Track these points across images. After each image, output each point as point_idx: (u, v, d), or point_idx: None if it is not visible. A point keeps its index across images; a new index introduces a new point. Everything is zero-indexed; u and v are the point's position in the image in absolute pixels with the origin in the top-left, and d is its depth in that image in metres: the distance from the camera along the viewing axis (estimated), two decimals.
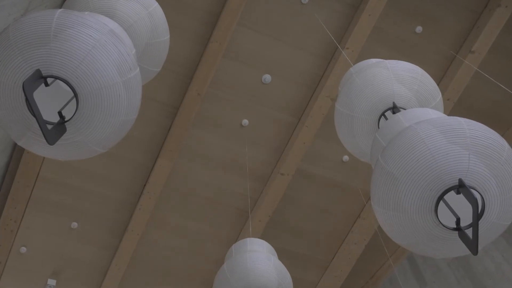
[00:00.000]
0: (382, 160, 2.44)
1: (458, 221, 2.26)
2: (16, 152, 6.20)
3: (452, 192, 2.25)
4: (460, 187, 2.20)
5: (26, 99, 2.17)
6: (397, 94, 3.17)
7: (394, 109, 3.13)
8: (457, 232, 2.28)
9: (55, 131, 2.27)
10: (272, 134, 6.43)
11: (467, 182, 2.21)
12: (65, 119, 2.34)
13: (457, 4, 5.95)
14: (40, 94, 2.34)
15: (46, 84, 2.29)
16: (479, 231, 2.18)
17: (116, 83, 2.39)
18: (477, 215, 2.14)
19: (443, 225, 2.29)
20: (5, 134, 4.76)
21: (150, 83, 3.55)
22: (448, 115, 2.92)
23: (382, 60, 3.45)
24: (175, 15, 5.63)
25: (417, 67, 3.32)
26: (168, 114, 6.18)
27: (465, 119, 2.38)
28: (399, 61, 3.33)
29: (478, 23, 5.94)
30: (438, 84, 4.10)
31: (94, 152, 2.54)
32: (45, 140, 2.19)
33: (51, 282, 6.98)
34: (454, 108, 6.16)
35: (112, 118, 2.42)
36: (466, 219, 2.27)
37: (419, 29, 5.99)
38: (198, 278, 7.23)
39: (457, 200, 2.29)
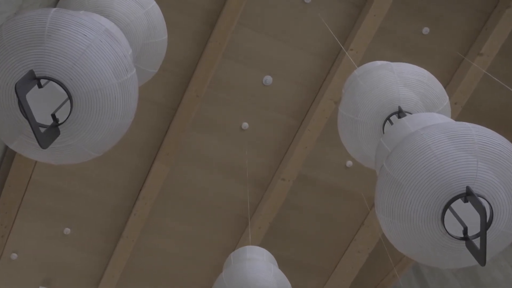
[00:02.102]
0: (387, 166, 2.44)
1: (465, 230, 2.26)
2: (8, 155, 6.20)
3: (460, 200, 2.24)
4: (468, 195, 2.20)
5: (19, 101, 2.17)
6: (403, 98, 3.17)
7: (400, 113, 3.13)
8: (464, 241, 2.28)
9: (48, 135, 2.27)
10: (273, 137, 6.43)
11: (475, 190, 2.21)
12: (59, 122, 2.34)
13: (466, 5, 5.96)
14: (34, 96, 2.34)
15: (40, 86, 2.29)
16: (487, 240, 2.18)
17: (112, 84, 2.39)
18: (485, 224, 2.14)
19: (450, 235, 2.29)
20: None
21: (147, 84, 3.56)
22: (456, 119, 2.92)
23: (387, 62, 3.45)
24: (173, 13, 5.64)
25: (424, 70, 3.33)
26: (165, 116, 6.19)
27: (473, 124, 2.38)
28: (405, 64, 3.33)
29: (487, 24, 5.94)
30: (445, 88, 4.10)
31: (89, 156, 2.54)
32: (37, 144, 2.19)
33: None
34: (462, 112, 6.16)
35: (108, 120, 2.43)
36: (474, 228, 2.26)
37: (426, 30, 6.00)
38: (195, 287, 7.22)
39: (464, 209, 2.29)
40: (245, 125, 6.30)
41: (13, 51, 2.29)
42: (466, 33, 6.05)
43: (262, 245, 6.42)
